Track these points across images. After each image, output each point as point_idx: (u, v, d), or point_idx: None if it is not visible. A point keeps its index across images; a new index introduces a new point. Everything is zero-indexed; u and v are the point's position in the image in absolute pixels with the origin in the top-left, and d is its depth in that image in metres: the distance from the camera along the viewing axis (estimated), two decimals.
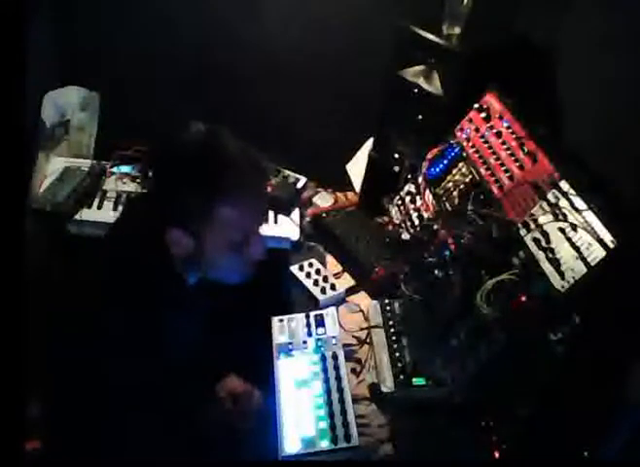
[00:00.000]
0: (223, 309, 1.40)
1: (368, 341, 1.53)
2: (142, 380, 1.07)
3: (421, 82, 1.69)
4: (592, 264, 1.05)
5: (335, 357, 1.43)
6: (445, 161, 1.58)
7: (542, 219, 1.19)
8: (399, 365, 1.42)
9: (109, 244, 1.28)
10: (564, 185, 1.17)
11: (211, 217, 1.11)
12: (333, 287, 1.70)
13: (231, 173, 1.10)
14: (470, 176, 1.48)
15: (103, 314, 1.10)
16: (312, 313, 1.54)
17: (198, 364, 1.27)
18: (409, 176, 1.71)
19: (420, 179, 1.61)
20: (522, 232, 1.22)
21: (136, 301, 1.10)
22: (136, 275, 1.13)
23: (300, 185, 2.05)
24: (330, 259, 1.87)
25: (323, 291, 1.68)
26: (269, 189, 1.89)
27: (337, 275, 1.78)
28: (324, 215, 1.98)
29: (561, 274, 1.10)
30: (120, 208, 1.91)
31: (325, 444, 1.26)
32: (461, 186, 1.49)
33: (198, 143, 1.13)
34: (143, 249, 1.17)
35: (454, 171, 1.54)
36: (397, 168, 1.84)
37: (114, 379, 1.06)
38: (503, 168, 1.37)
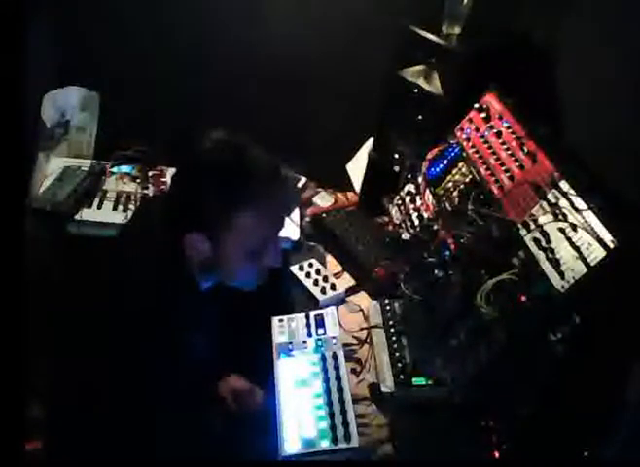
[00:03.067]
0: (225, 310, 1.40)
1: (368, 341, 1.53)
2: (145, 381, 1.07)
3: (421, 82, 1.69)
4: (592, 264, 1.05)
5: (335, 357, 1.42)
6: (445, 161, 1.58)
7: (542, 219, 1.18)
8: (399, 365, 1.42)
9: (122, 244, 1.29)
10: (564, 185, 1.17)
11: (231, 224, 1.11)
12: (333, 287, 1.70)
13: (255, 182, 1.11)
14: (470, 176, 1.48)
15: (112, 315, 1.10)
16: (312, 313, 1.54)
17: (201, 364, 1.27)
18: (409, 176, 1.71)
19: (420, 179, 1.61)
20: (522, 232, 1.22)
21: (147, 302, 1.10)
22: (149, 277, 1.14)
23: (300, 185, 2.05)
24: (330, 259, 1.87)
25: (323, 291, 1.68)
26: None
27: (337, 275, 1.78)
28: (324, 215, 1.98)
29: (561, 274, 1.10)
30: (120, 208, 1.91)
31: (325, 444, 1.26)
32: (461, 186, 1.49)
33: (225, 150, 1.13)
34: (158, 251, 1.17)
35: (454, 171, 1.54)
36: (397, 168, 1.84)
37: (115, 379, 1.06)
38: (503, 168, 1.37)
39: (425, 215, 1.56)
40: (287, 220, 1.92)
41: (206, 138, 1.15)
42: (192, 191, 1.13)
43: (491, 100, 1.48)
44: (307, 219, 2.00)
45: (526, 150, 1.32)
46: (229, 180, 1.10)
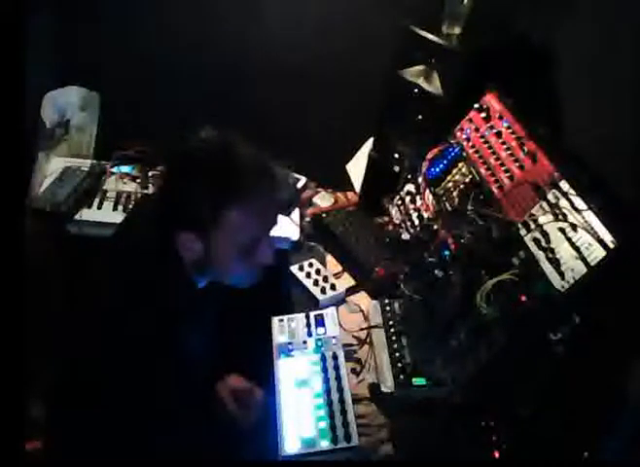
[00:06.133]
0: (224, 309, 1.40)
1: (368, 341, 1.53)
2: (145, 381, 1.07)
3: (421, 82, 1.69)
4: (592, 264, 1.05)
5: (335, 357, 1.42)
6: (445, 161, 1.58)
7: (542, 219, 1.18)
8: (399, 365, 1.42)
9: (116, 244, 1.29)
10: (564, 185, 1.17)
11: (220, 221, 1.11)
12: (333, 287, 1.70)
13: (243, 179, 1.10)
14: (470, 176, 1.48)
15: (109, 315, 1.10)
16: (312, 313, 1.54)
17: (201, 364, 1.27)
18: (409, 176, 1.70)
19: (420, 179, 1.61)
20: (522, 232, 1.22)
21: (145, 302, 1.10)
22: (143, 276, 1.14)
23: (300, 185, 2.05)
24: (330, 259, 1.87)
25: (323, 291, 1.68)
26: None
27: (337, 275, 1.78)
28: (324, 215, 1.98)
29: (561, 274, 1.10)
30: (120, 208, 1.91)
31: (325, 444, 1.26)
32: (461, 186, 1.49)
33: (212, 147, 1.13)
34: (153, 252, 1.17)
35: (454, 171, 1.54)
36: (397, 168, 1.84)
37: (115, 379, 1.06)
38: (503, 168, 1.37)
39: (425, 215, 1.56)
40: (287, 220, 1.94)
41: (195, 136, 1.15)
42: (179, 189, 1.13)
43: (491, 100, 1.48)
44: (307, 219, 2.00)
45: (526, 150, 1.32)
46: (215, 177, 1.09)
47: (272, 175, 1.19)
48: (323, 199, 2.12)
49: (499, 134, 1.41)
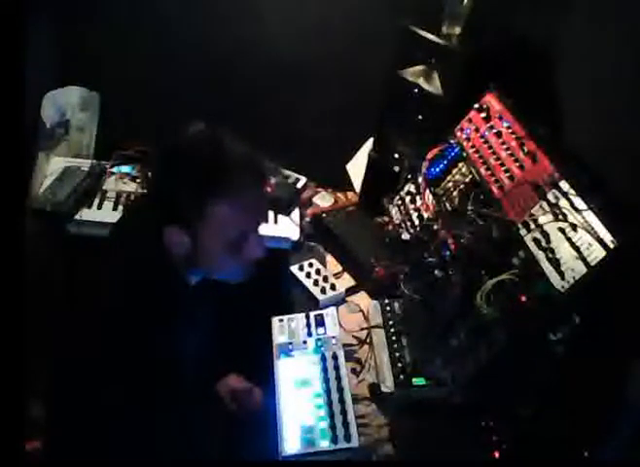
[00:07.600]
0: (223, 309, 1.40)
1: (368, 341, 1.53)
2: (145, 381, 1.07)
3: (421, 82, 1.69)
4: (592, 264, 1.05)
5: (335, 357, 1.43)
6: (445, 162, 1.58)
7: (542, 219, 1.18)
8: (399, 365, 1.42)
9: (111, 246, 1.29)
10: (564, 185, 1.17)
11: (207, 215, 1.10)
12: (333, 287, 1.70)
13: (229, 172, 1.10)
14: (470, 176, 1.48)
15: (106, 315, 1.10)
16: (312, 313, 1.54)
17: (199, 363, 1.27)
18: (409, 176, 1.71)
19: (420, 179, 1.61)
20: (522, 232, 1.22)
21: (139, 302, 1.10)
22: (138, 276, 1.14)
23: (300, 185, 2.05)
24: (330, 259, 1.87)
25: (323, 291, 1.68)
26: (269, 189, 1.90)
27: (337, 275, 1.78)
28: (324, 215, 1.99)
29: (561, 274, 1.10)
30: (120, 208, 1.91)
31: (325, 444, 1.26)
32: (461, 186, 1.49)
33: (199, 141, 1.14)
34: (144, 250, 1.17)
35: (454, 171, 1.54)
36: (397, 168, 1.84)
37: (114, 379, 1.06)
38: (503, 168, 1.37)
39: (425, 215, 1.56)
40: (287, 220, 1.94)
41: (183, 131, 1.15)
42: (166, 182, 1.13)
43: (491, 100, 1.48)
44: (307, 219, 2.00)
45: (526, 150, 1.32)
46: (201, 171, 1.09)
47: (260, 171, 1.19)
48: (323, 199, 2.12)
49: (499, 134, 1.41)
